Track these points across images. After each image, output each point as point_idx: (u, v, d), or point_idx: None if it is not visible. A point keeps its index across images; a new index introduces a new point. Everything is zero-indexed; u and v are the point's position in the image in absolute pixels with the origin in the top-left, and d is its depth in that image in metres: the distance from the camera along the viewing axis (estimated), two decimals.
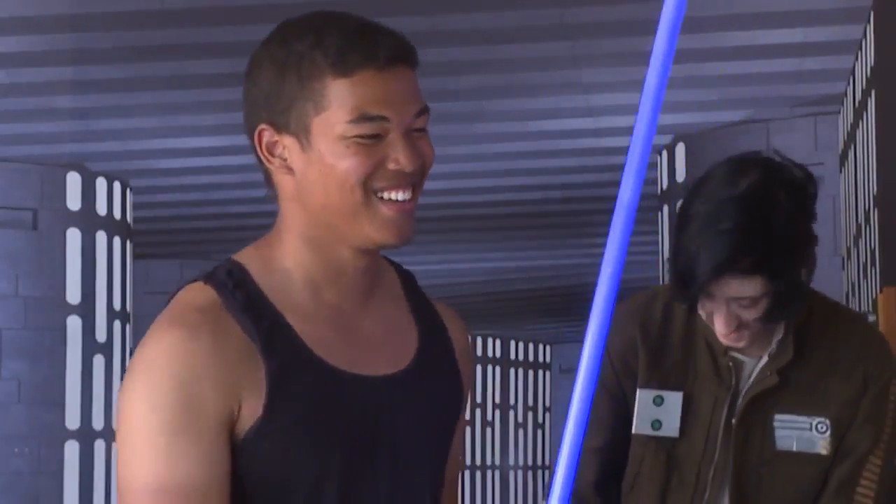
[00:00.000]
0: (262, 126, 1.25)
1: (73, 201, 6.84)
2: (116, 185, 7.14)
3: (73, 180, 6.85)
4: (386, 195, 1.22)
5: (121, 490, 1.24)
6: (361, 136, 1.20)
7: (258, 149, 1.26)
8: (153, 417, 1.21)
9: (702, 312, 1.76)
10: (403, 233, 1.24)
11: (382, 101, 1.21)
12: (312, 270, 1.28)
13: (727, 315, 1.71)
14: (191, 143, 7.06)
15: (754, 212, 1.68)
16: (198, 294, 1.25)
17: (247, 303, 1.24)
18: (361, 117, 1.20)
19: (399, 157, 1.21)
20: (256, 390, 1.22)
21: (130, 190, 7.31)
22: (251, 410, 1.22)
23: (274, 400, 1.22)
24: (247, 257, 1.29)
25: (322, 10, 1.28)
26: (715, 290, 1.69)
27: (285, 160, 1.25)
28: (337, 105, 1.20)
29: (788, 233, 1.71)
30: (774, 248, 1.69)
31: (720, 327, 1.72)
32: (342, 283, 1.29)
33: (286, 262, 1.28)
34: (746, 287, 1.68)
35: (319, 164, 1.22)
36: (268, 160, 1.26)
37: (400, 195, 1.23)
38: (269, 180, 1.29)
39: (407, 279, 1.40)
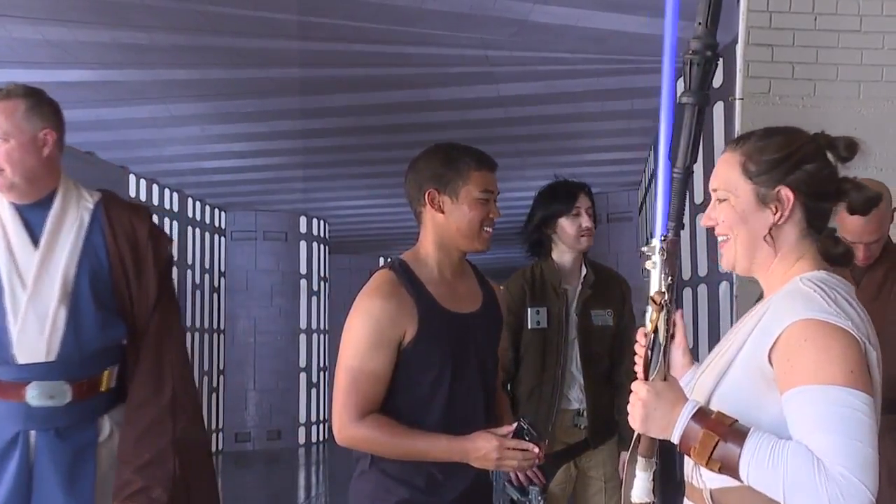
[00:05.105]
0: (430, 189, 2.45)
1: None
2: None
3: None
4: (486, 228, 2.48)
5: (337, 368, 2.40)
6: (482, 199, 2.46)
7: (425, 200, 2.47)
8: (362, 334, 2.37)
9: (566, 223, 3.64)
10: (488, 245, 2.50)
11: (492, 184, 2.48)
12: (439, 261, 2.50)
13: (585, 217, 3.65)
14: None
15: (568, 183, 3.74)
16: (384, 274, 2.47)
17: (407, 279, 2.44)
18: (485, 191, 2.46)
19: (492, 212, 2.48)
20: (413, 322, 2.40)
21: None
22: (411, 333, 2.39)
23: (421, 327, 2.40)
24: (406, 256, 2.52)
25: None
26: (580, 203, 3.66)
27: (440, 207, 2.45)
28: (473, 183, 2.45)
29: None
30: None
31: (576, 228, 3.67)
32: (452, 267, 2.53)
33: (426, 257, 2.50)
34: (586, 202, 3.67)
35: (460, 211, 2.46)
36: (430, 206, 2.46)
37: (490, 229, 2.49)
38: (418, 216, 2.52)
39: (474, 266, 2.65)
